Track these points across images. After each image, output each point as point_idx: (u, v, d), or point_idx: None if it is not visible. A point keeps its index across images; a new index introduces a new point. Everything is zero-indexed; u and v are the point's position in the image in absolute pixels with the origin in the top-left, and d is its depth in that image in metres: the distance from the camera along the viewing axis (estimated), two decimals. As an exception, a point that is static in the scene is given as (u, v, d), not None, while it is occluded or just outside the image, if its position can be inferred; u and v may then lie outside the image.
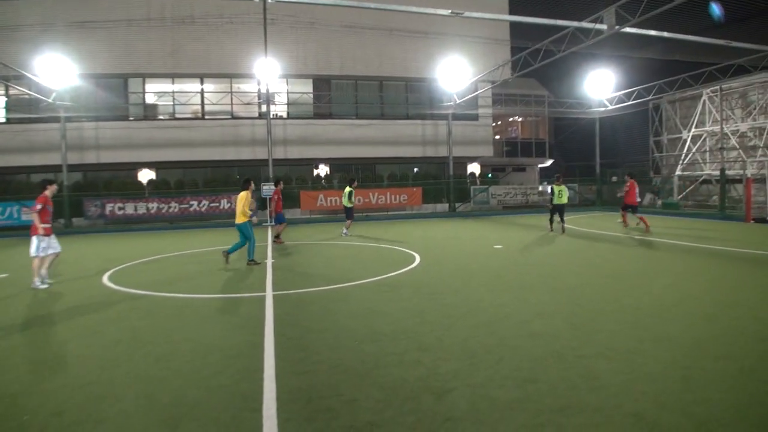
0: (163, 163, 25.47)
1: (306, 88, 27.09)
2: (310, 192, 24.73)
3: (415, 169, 29.48)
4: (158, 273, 10.18)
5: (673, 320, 5.82)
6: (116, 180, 24.99)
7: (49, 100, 22.33)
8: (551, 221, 16.09)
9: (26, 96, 22.85)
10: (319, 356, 4.89)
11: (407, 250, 12.27)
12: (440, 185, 27.16)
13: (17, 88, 22.09)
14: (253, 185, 11.15)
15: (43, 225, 8.70)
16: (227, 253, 10.74)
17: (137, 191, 24.33)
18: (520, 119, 37.27)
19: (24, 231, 21.38)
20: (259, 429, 3.47)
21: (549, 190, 17.75)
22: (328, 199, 24.61)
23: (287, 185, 23.92)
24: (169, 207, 22.86)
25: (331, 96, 27.10)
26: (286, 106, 27.12)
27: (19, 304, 7.68)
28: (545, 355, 4.72)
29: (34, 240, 8.71)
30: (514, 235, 15.66)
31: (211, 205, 23.24)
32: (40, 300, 7.94)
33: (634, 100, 26.67)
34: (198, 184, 24.91)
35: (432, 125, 27.92)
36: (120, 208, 22.84)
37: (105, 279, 9.57)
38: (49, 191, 9.07)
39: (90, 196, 23.43)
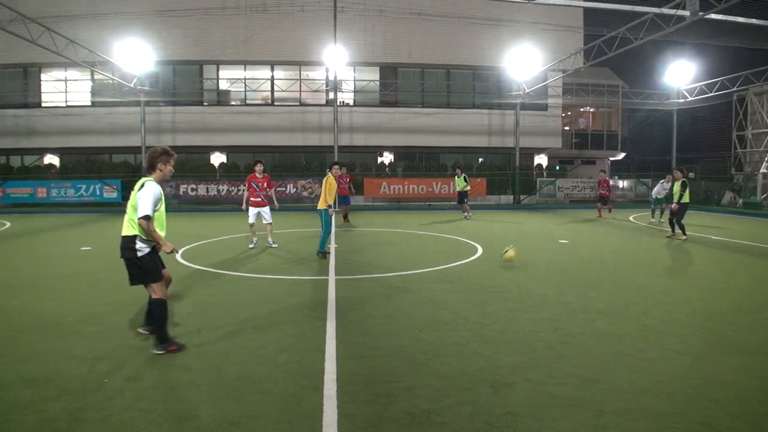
0: (234, 147, 26.44)
1: (373, 75, 27.22)
2: (374, 179, 24.98)
3: (480, 160, 29.06)
4: (227, 252, 10.62)
5: (750, 327, 5.49)
6: (190, 162, 26.18)
7: (131, 85, 23.65)
8: (674, 226, 12.70)
9: (110, 81, 24.29)
10: (379, 341, 4.98)
11: (469, 241, 12.18)
12: (505, 176, 26.68)
13: (102, 73, 23.53)
14: (337, 169, 10.51)
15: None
16: (321, 251, 9.86)
17: (209, 173, 25.41)
18: (591, 110, 35.85)
19: (104, 207, 23.07)
20: (319, 408, 3.58)
21: (665, 187, 16.25)
22: (392, 187, 24.76)
23: (351, 172, 24.21)
24: (238, 190, 23.72)
25: (397, 84, 27.11)
26: (352, 94, 27.39)
27: (105, 275, 8.24)
28: (609, 355, 4.59)
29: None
30: (581, 230, 15.18)
31: (278, 189, 23.91)
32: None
33: (716, 91, 25.07)
34: (266, 169, 25.63)
35: (499, 115, 27.39)
36: (193, 189, 23.97)
37: (178, 256, 10.09)
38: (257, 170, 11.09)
39: (174, 176, 24.69)
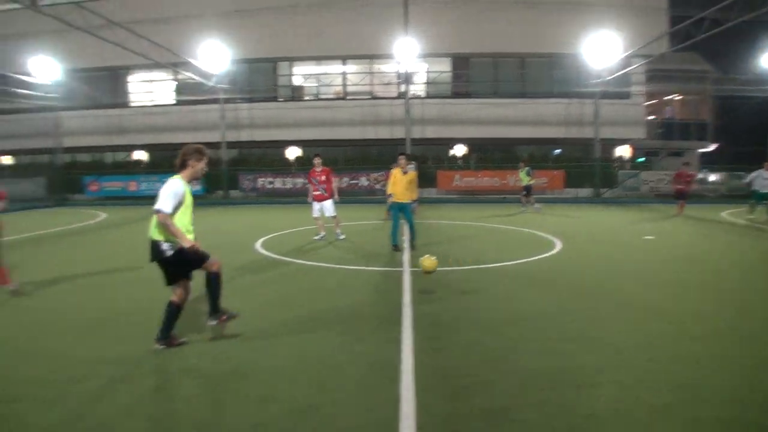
0: (308, 142, 27.05)
1: (444, 67, 26.94)
2: (447, 172, 24.77)
3: (557, 151, 28.06)
4: (303, 243, 10.88)
5: None
6: (266, 157, 27.07)
7: (210, 84, 24.73)
8: None
9: (191, 80, 25.52)
10: (456, 335, 4.92)
11: (547, 235, 11.80)
12: (584, 169, 25.58)
13: (184, 73, 24.76)
14: (403, 161, 9.60)
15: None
16: (411, 242, 9.75)
17: (285, 167, 26.18)
18: (678, 98, 33.66)
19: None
20: (397, 398, 3.59)
21: (766, 177, 15.02)
22: (465, 179, 24.45)
23: (423, 165, 24.11)
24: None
25: (469, 74, 26.67)
26: (424, 86, 27.24)
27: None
28: (703, 361, 4.27)
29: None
30: (667, 226, 14.30)
31: (351, 182, 24.28)
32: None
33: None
34: (338, 162, 26.12)
35: (577, 104, 26.24)
36: (270, 182, 24.82)
37: (258, 246, 10.46)
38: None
39: (244, 170, 25.74)
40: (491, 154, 26.60)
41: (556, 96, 26.39)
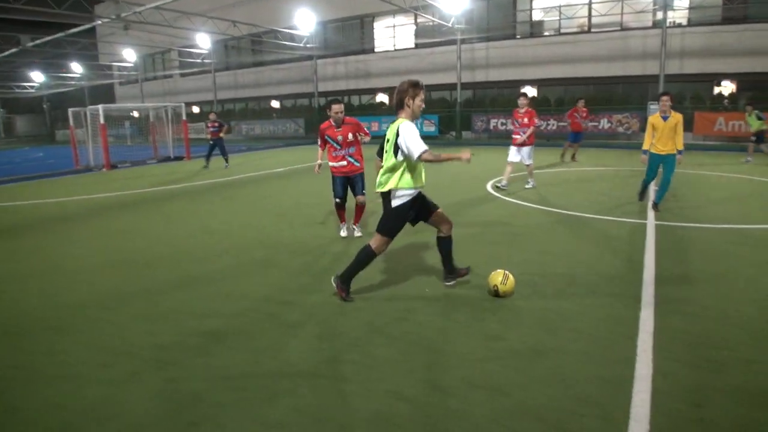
0: (546, 80, 25.70)
1: (717, -15, 22.52)
2: (707, 114, 21.23)
3: None
4: (542, 187, 10.48)
5: None
6: (501, 97, 26.64)
7: (449, 25, 24.94)
8: None
9: (430, 23, 26.06)
10: (708, 301, 4.36)
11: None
12: None
13: (424, 16, 25.36)
14: (666, 100, 7.73)
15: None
16: (656, 201, 8.08)
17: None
18: None
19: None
20: (632, 358, 3.40)
21: None
22: (729, 123, 20.70)
23: (680, 104, 21.03)
24: (548, 124, 23.23)
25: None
26: (686, 12, 23.29)
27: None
28: None
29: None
30: None
31: (591, 123, 22.51)
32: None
33: None
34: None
35: None
36: (503, 124, 24.47)
37: (488, 186, 10.58)
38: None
39: (478, 111, 25.84)
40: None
41: None
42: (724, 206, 8.48)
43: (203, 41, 30.60)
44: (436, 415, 2.82)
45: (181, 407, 2.98)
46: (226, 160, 16.34)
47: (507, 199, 9.35)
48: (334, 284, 4.55)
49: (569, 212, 8.10)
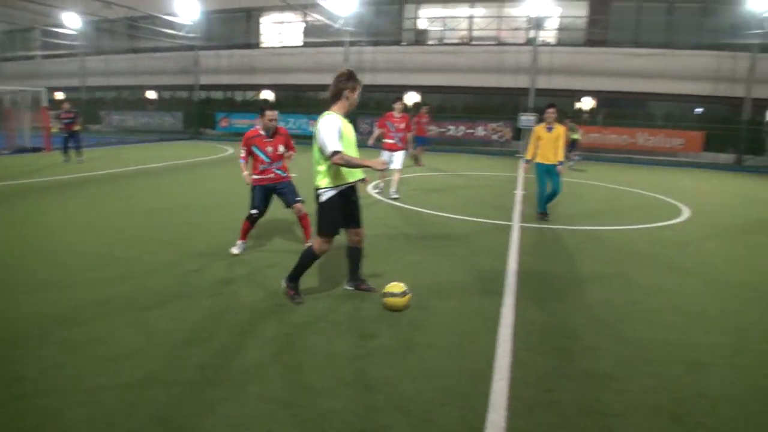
0: (428, 88, 26.69)
1: (580, 11, 24.91)
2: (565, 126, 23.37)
3: (698, 110, 25.19)
4: (417, 188, 10.92)
5: None
6: (387, 101, 27.22)
7: (337, 26, 25.05)
8: None
9: (319, 22, 26.02)
10: (561, 295, 4.82)
11: (674, 202, 10.88)
12: (728, 132, 22.75)
13: (312, 15, 25.26)
14: (552, 112, 8.07)
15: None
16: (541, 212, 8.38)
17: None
18: None
19: (309, 140, 25.16)
20: (492, 348, 3.65)
21: None
22: (589, 135, 22.91)
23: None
24: (429, 129, 24.11)
25: (608, 20, 24.42)
26: (555, 32, 25.48)
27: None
28: None
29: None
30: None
31: (467, 131, 23.82)
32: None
33: None
34: (456, 110, 25.63)
35: (730, 58, 23.05)
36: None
37: (370, 188, 10.71)
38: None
39: (363, 114, 26.19)
40: (622, 109, 24.56)
41: (706, 48, 23.39)
42: (583, 210, 9.39)
43: (72, 21, 27.90)
44: (304, 416, 2.81)
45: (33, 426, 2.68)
46: (81, 154, 14.79)
47: (383, 200, 9.57)
48: (283, 285, 4.46)
49: (439, 213, 8.49)
